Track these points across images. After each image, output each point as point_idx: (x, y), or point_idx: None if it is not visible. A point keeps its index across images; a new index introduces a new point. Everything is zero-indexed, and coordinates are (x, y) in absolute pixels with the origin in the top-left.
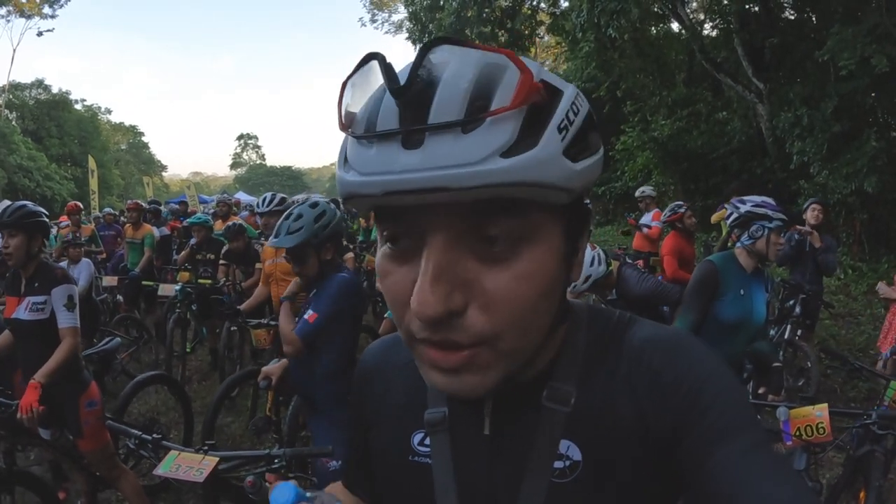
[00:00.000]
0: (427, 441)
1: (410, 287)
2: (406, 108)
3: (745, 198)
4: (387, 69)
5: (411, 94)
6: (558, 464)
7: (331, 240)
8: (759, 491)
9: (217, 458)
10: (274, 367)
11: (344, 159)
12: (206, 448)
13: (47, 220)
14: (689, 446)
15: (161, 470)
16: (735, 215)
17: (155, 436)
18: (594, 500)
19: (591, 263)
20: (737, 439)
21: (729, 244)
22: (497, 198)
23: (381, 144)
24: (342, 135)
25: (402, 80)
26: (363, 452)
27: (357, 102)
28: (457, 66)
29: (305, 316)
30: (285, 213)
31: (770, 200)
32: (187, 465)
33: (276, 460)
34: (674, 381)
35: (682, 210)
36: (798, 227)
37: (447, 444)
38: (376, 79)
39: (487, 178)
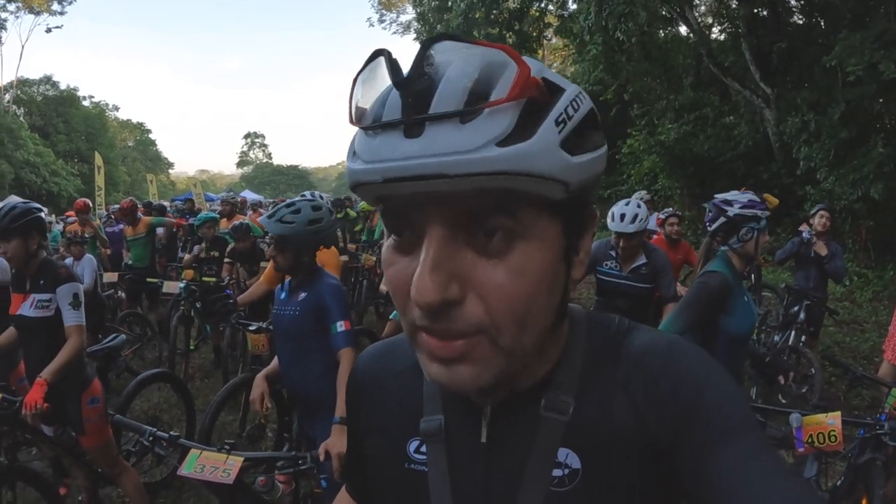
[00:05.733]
0: (423, 448)
1: (411, 277)
2: (408, 99)
3: (730, 198)
4: (391, 63)
5: (413, 86)
6: (557, 472)
7: (315, 244)
8: (760, 494)
9: (242, 458)
10: (256, 390)
11: (353, 151)
12: (227, 447)
13: (41, 215)
14: (690, 452)
15: (185, 470)
16: (722, 219)
17: (172, 433)
18: None
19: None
20: (737, 444)
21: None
22: (493, 190)
23: (384, 134)
24: (349, 135)
25: (406, 75)
26: (360, 459)
27: (366, 97)
28: (459, 62)
29: (340, 329)
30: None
31: (755, 198)
32: (211, 465)
33: (300, 462)
34: (672, 388)
35: (664, 216)
36: (807, 225)
37: (443, 453)
38: (383, 74)
39: (482, 166)
